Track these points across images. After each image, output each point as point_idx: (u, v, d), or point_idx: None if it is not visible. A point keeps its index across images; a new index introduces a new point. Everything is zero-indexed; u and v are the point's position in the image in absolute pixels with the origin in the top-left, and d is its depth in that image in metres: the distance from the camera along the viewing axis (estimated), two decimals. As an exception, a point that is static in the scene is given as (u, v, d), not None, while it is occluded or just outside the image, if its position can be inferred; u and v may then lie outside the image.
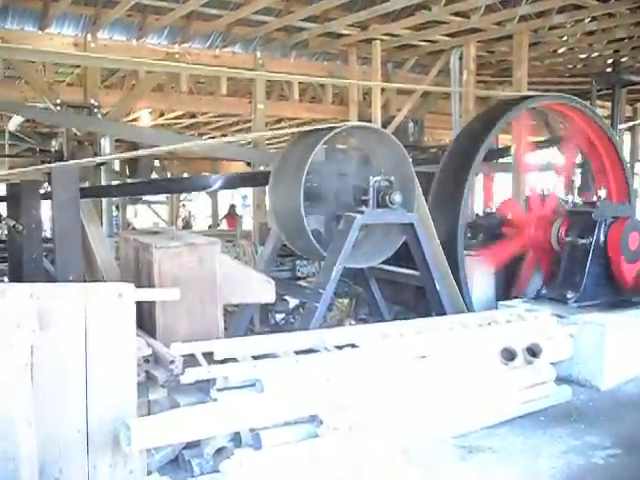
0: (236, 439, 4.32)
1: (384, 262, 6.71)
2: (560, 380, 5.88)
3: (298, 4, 10.03)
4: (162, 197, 22.96)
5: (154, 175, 15.65)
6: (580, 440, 5.01)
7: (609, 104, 12.26)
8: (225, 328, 5.46)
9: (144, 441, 3.79)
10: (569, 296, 6.96)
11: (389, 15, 10.37)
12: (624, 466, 4.64)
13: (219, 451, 4.21)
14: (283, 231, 6.46)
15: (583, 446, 4.91)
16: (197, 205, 28.95)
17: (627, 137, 16.18)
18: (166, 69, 10.95)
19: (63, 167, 5.68)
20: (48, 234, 8.89)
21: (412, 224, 6.33)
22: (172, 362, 4.23)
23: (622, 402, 5.89)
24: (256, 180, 9.00)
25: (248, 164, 13.86)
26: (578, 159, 10.33)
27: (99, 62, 9.89)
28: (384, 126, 10.25)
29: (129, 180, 11.61)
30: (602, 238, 7.09)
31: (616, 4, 9.35)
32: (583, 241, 7.12)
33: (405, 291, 7.66)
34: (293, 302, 8.33)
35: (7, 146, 12.79)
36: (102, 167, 9.55)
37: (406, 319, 6.30)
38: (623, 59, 12.50)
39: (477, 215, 9.11)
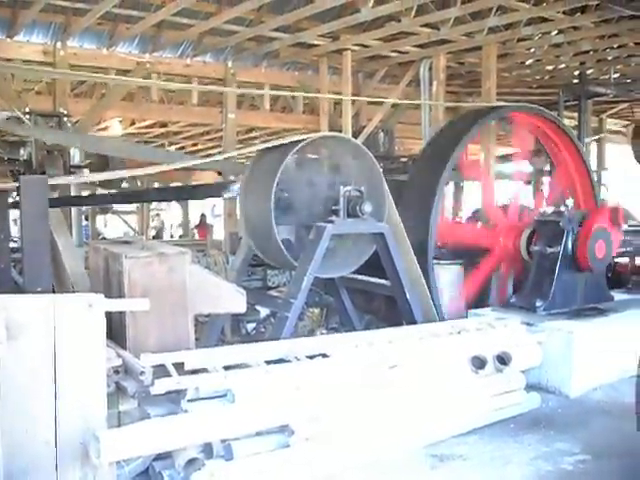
0: (207, 450, 4.29)
1: (355, 271, 6.73)
2: (529, 387, 5.94)
3: (269, 14, 10.07)
4: (132, 206, 22.82)
5: (124, 185, 15.53)
6: (549, 447, 5.07)
7: (576, 115, 12.46)
8: (196, 338, 5.44)
9: (114, 453, 3.76)
10: (538, 304, 7.05)
11: (360, 26, 10.44)
12: (593, 472, 4.71)
13: (190, 462, 4.18)
14: (254, 241, 6.45)
15: (552, 453, 4.97)
16: (169, 215, 28.83)
17: (594, 147, 16.44)
18: (137, 84, 10.93)
19: (32, 177, 5.61)
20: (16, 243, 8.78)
21: (382, 234, 6.36)
22: (142, 373, 4.20)
23: (590, 409, 5.96)
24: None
25: (219, 173, 13.84)
26: (547, 168, 10.47)
27: (68, 76, 9.83)
28: (355, 136, 10.32)
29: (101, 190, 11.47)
30: (570, 247, 7.19)
31: (582, 17, 9.52)
32: (551, 250, 7.22)
33: (376, 300, 7.69)
34: (264, 312, 8.32)
35: (-26, 155, 12.62)
36: (72, 177, 9.45)
37: (377, 328, 6.32)
38: (589, 71, 12.73)
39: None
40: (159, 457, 4.35)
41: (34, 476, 3.71)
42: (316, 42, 11.13)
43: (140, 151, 10.13)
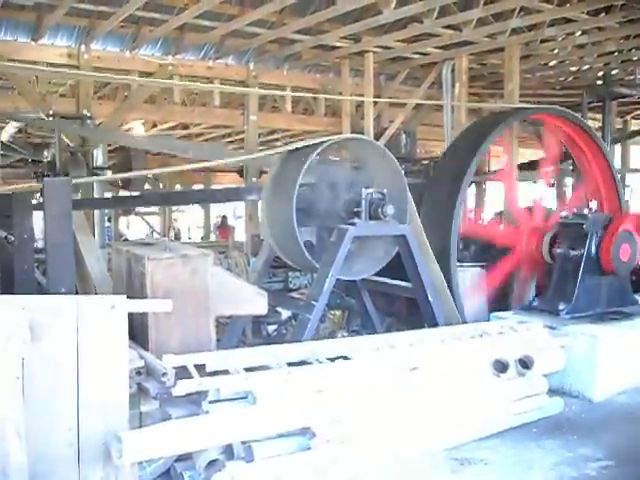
0: (228, 451, 4.30)
1: (376, 274, 6.72)
2: (552, 392, 5.89)
3: (291, 16, 10.08)
4: (154, 208, 22.94)
5: (147, 186, 15.63)
6: (573, 452, 5.02)
7: (600, 116, 12.34)
8: (217, 340, 5.46)
9: (136, 454, 3.78)
10: (561, 308, 6.99)
11: (381, 28, 10.41)
12: (617, 478, 4.65)
13: (211, 464, 4.19)
14: (275, 243, 6.45)
15: (576, 458, 4.91)
16: (189, 216, 28.94)
17: (618, 148, 16.27)
18: (160, 85, 11.01)
19: (56, 179, 5.66)
20: (40, 245, 8.86)
21: (404, 236, 6.34)
22: (164, 374, 4.21)
23: (614, 414, 5.89)
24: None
25: (241, 175, 13.89)
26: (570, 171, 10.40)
27: (94, 77, 9.92)
28: (376, 138, 10.31)
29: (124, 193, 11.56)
30: (593, 249, 7.12)
31: (606, 18, 9.43)
32: (574, 252, 7.16)
33: (397, 303, 7.66)
34: (285, 314, 8.31)
35: (-1, 157, 12.77)
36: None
37: (398, 331, 6.30)
38: (613, 72, 12.59)
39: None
40: (180, 458, 4.37)
41: (57, 476, 3.74)
42: (338, 44, 11.13)
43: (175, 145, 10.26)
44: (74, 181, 5.85)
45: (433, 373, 5.16)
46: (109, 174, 10.84)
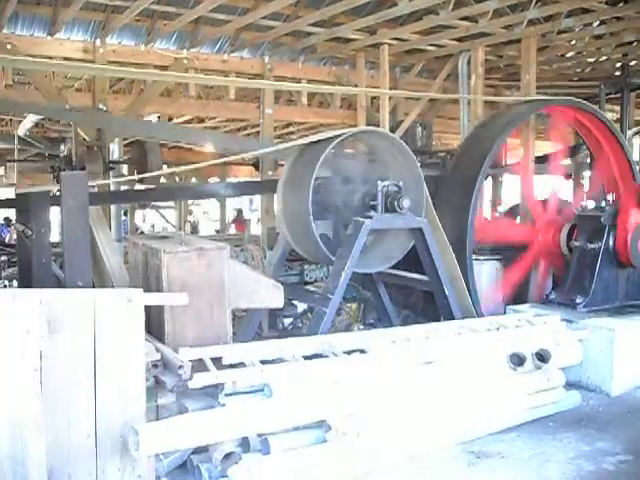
0: (244, 444, 4.31)
1: (392, 266, 6.70)
2: (569, 385, 5.86)
3: (306, 9, 10.04)
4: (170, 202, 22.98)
5: (162, 180, 15.69)
6: (590, 446, 4.99)
7: (618, 108, 12.21)
8: (233, 333, 5.47)
9: (152, 446, 3.80)
10: (578, 301, 6.95)
11: (397, 20, 10.36)
12: (635, 472, 4.62)
13: (227, 456, 4.21)
14: (291, 236, 6.45)
15: (593, 452, 4.89)
16: (205, 209, 28.98)
17: (637, 140, 16.10)
18: (176, 79, 11.02)
19: (72, 173, 5.69)
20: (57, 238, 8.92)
21: (421, 229, 6.32)
22: (180, 367, 4.23)
23: (632, 408, 5.86)
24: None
25: (256, 168, 13.88)
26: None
27: (113, 72, 9.94)
28: (392, 130, 10.26)
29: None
30: (611, 242, 7.06)
31: (625, 8, 9.31)
32: (592, 245, 7.10)
33: (413, 295, 7.65)
34: (301, 307, 8.33)
35: (16, 151, 12.85)
36: (111, 172, 9.58)
37: (414, 323, 6.29)
38: (632, 63, 12.44)
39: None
40: (197, 451, 4.39)
41: (74, 467, 3.77)
42: (353, 37, 11.08)
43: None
44: (95, 183, 5.88)
45: (449, 366, 5.15)
46: (124, 168, 10.90)
